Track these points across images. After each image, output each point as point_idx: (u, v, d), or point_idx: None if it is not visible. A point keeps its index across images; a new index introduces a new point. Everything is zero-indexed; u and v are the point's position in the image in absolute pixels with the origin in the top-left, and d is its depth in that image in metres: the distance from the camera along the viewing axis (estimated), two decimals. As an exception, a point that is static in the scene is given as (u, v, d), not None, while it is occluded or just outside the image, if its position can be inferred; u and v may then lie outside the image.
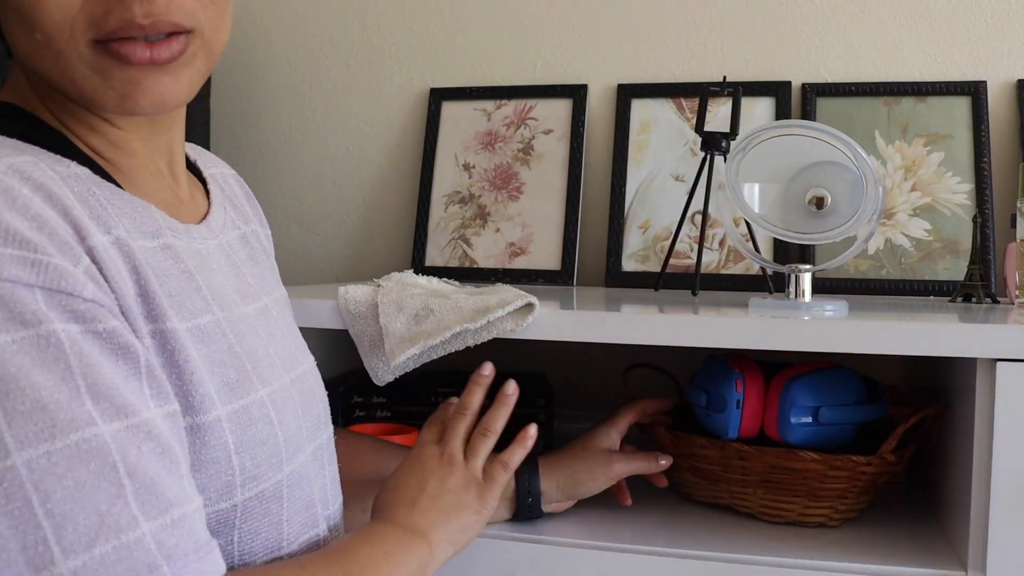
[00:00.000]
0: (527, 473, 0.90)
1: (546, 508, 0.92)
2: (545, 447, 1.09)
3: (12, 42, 0.58)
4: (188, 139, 1.30)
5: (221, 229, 0.70)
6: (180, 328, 0.56)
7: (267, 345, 0.65)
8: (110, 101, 0.58)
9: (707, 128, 1.10)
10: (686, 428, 0.98)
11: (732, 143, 1.06)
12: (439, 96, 1.46)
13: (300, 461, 0.64)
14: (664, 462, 0.96)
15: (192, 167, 0.74)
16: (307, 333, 1.16)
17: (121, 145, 0.62)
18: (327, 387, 1.12)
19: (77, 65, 0.56)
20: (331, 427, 0.75)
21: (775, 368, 0.94)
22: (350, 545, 0.66)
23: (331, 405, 1.22)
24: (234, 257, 0.69)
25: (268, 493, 0.60)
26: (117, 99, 0.57)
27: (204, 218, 0.68)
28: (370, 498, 0.85)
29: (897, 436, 0.87)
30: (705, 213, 1.10)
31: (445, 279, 1.12)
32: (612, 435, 0.96)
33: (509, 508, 0.91)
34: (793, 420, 0.89)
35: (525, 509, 0.90)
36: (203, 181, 0.74)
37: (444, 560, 0.73)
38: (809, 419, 0.89)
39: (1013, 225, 1.10)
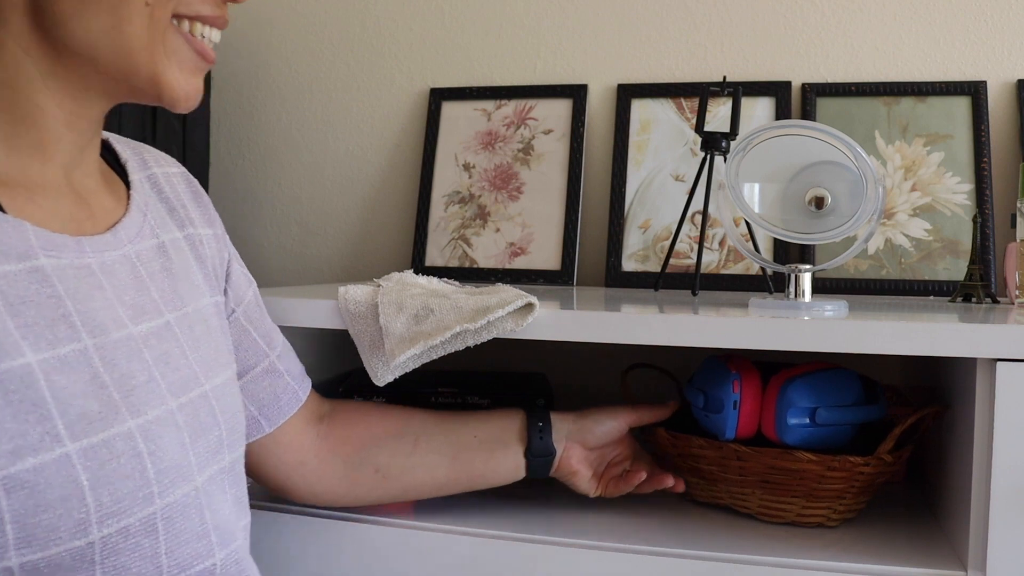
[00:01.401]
0: (534, 414, 0.92)
1: (557, 446, 0.91)
2: (545, 447, 1.10)
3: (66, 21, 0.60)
4: (188, 140, 1.31)
5: (133, 238, 0.67)
6: (33, 361, 0.54)
7: (152, 369, 0.62)
8: (170, 89, 0.63)
9: (707, 128, 1.10)
10: (686, 429, 0.98)
11: (732, 143, 1.06)
12: (439, 96, 1.46)
13: (186, 491, 0.61)
14: (669, 407, 0.96)
15: (120, 167, 0.72)
16: (307, 333, 1.16)
17: (25, 152, 0.61)
18: (326, 387, 1.12)
19: (158, 36, 0.61)
20: (240, 447, 0.72)
21: (773, 369, 0.94)
22: None
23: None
24: (141, 269, 0.66)
25: (135, 528, 0.57)
26: (177, 91, 0.63)
27: (115, 225, 0.66)
28: (382, 457, 0.87)
29: (894, 437, 0.87)
30: (705, 213, 1.10)
31: (445, 279, 1.12)
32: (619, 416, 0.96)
33: (521, 442, 0.90)
34: (790, 421, 0.89)
35: (536, 440, 0.89)
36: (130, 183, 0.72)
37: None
38: (806, 420, 0.89)
39: (1013, 225, 1.10)
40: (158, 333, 0.65)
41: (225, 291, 0.81)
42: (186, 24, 0.63)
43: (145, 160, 0.75)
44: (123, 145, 0.74)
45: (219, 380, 0.70)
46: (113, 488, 0.56)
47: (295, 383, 0.87)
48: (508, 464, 0.90)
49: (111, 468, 0.56)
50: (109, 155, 0.73)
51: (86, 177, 0.66)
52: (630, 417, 0.94)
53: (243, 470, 0.73)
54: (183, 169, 0.80)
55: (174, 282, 0.69)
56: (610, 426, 0.93)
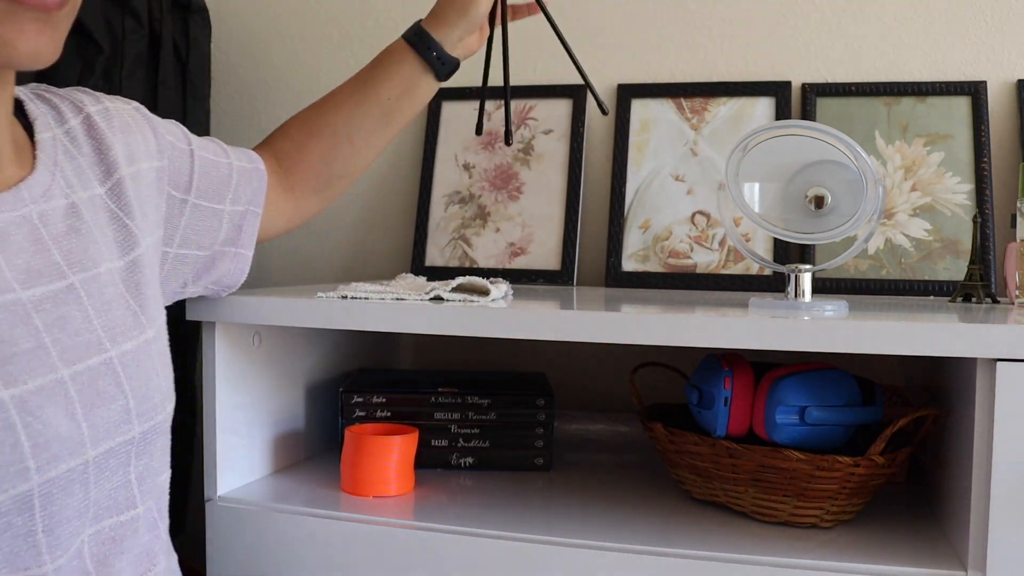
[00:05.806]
0: (416, 36, 0.96)
1: (455, 52, 0.97)
2: (545, 446, 1.10)
3: None
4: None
5: (37, 198, 0.63)
6: None
7: (43, 335, 0.58)
8: (9, 48, 0.55)
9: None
10: (687, 426, 0.98)
11: (733, 143, 1.06)
12: (439, 96, 1.46)
13: (71, 466, 0.58)
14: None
15: (28, 125, 0.69)
16: (308, 333, 1.16)
17: None
18: (327, 386, 1.12)
19: None
20: (158, 418, 0.67)
21: (769, 367, 0.94)
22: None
23: (331, 404, 1.21)
24: (43, 231, 0.62)
25: (7, 506, 0.54)
26: (17, 50, 0.56)
27: (15, 185, 0.63)
28: (337, 168, 0.96)
29: (885, 438, 0.87)
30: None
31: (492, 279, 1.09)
32: None
33: (427, 72, 0.96)
34: (779, 419, 0.89)
35: (436, 65, 0.96)
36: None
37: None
38: (796, 418, 0.89)
39: (1013, 225, 1.10)
40: (55, 297, 0.61)
41: (172, 197, 0.80)
42: None
43: (62, 114, 0.70)
44: (38, 102, 0.70)
45: (129, 346, 0.65)
46: None
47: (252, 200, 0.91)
48: (427, 92, 0.98)
49: None
50: (22, 116, 0.69)
51: (3, 129, 0.63)
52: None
53: (164, 442, 0.69)
54: (126, 103, 0.76)
55: (84, 243, 0.65)
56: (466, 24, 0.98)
